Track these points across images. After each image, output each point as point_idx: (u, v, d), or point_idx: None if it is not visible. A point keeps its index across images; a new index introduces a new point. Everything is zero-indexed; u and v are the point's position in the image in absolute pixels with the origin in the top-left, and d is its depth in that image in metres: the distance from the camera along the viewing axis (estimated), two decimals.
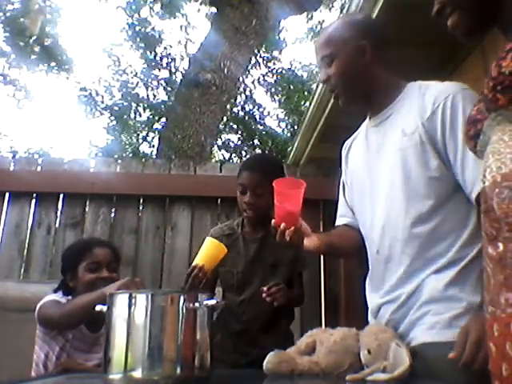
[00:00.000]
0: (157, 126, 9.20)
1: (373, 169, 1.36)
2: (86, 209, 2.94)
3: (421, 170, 1.21)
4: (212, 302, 1.02)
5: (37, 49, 9.28)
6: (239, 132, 9.43)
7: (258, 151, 9.27)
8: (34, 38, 9.01)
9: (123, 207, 2.95)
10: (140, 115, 9.37)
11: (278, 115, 9.77)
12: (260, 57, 9.17)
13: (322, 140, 2.89)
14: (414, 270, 1.21)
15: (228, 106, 6.76)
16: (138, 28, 9.30)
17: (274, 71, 9.52)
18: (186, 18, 9.49)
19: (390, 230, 1.26)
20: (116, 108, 9.27)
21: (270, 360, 1.11)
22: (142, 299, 0.99)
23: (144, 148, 9.67)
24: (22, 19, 8.83)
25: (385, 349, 1.06)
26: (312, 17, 9.94)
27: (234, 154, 9.49)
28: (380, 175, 1.32)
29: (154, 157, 6.09)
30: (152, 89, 9.23)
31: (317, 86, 2.64)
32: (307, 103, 5.43)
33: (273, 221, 1.34)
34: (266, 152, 8.98)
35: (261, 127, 9.40)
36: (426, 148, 1.21)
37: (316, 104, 2.63)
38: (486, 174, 0.75)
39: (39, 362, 1.70)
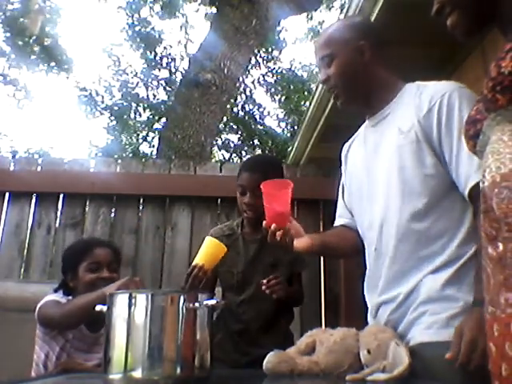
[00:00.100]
0: (157, 125, 9.20)
1: (371, 168, 1.36)
2: (86, 209, 2.94)
3: (416, 167, 1.22)
4: (212, 301, 1.02)
5: (37, 49, 9.29)
6: (239, 132, 9.43)
7: (258, 151, 9.27)
8: (33, 38, 9.01)
9: (123, 207, 2.95)
10: (140, 115, 9.38)
11: (277, 115, 9.78)
12: (260, 57, 9.17)
13: (322, 140, 2.89)
14: (409, 268, 1.21)
15: (228, 106, 6.76)
16: (137, 28, 9.30)
17: (274, 71, 9.52)
18: (186, 19, 9.50)
19: (387, 227, 1.27)
20: (116, 108, 9.27)
21: (269, 360, 1.11)
22: (141, 299, 0.99)
23: (144, 148, 9.69)
24: (21, 19, 8.84)
25: (384, 349, 1.06)
26: (312, 17, 9.94)
27: (234, 154, 9.49)
28: (377, 174, 1.33)
29: (154, 157, 6.10)
30: (152, 89, 9.24)
31: (317, 86, 2.64)
32: (307, 103, 5.44)
33: (264, 222, 1.35)
34: (266, 152, 8.99)
35: (261, 127, 9.39)
36: (422, 145, 1.22)
37: (316, 104, 2.63)
38: (485, 174, 0.75)
39: (39, 361, 1.70)
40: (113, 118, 9.33)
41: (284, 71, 9.55)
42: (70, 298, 1.77)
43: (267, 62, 9.43)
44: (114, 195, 2.97)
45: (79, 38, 22.71)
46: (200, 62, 5.06)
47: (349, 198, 1.50)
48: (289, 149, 3.74)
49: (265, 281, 1.76)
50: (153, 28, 9.35)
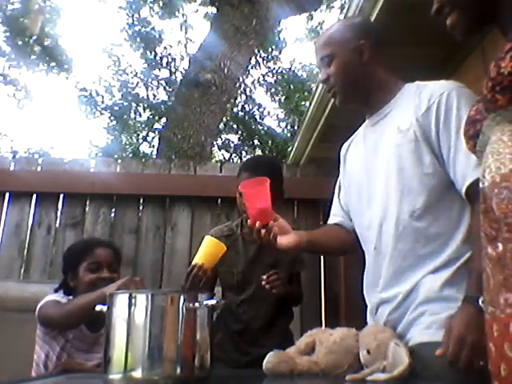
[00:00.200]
0: (157, 125, 9.19)
1: (370, 168, 1.36)
2: (86, 209, 2.94)
3: (415, 166, 1.22)
4: (212, 301, 1.02)
5: (37, 49, 9.28)
6: (239, 132, 9.42)
7: (258, 151, 9.27)
8: (34, 37, 9.01)
9: (123, 207, 2.95)
10: (140, 115, 9.37)
11: (277, 115, 9.77)
12: (260, 57, 9.16)
13: (322, 140, 2.89)
14: (408, 267, 1.21)
15: (228, 106, 6.76)
16: (137, 28, 9.30)
17: (274, 71, 9.51)
18: (186, 19, 9.50)
19: (386, 226, 1.27)
20: (116, 108, 9.26)
21: (269, 360, 1.11)
22: (142, 299, 0.99)
23: (144, 148, 9.68)
24: (22, 19, 8.84)
25: (384, 349, 1.06)
26: (312, 17, 9.94)
27: (234, 154, 9.48)
28: (376, 173, 1.33)
29: (154, 157, 6.09)
30: (152, 89, 9.23)
31: (317, 86, 2.64)
32: (307, 103, 5.43)
33: (248, 221, 1.37)
34: (266, 152, 8.98)
35: (261, 127, 9.39)
36: (421, 144, 1.22)
37: (316, 104, 2.63)
38: (485, 174, 0.75)
39: (39, 361, 1.70)
40: (113, 118, 9.32)
41: (284, 71, 9.54)
42: (71, 297, 1.77)
43: (267, 62, 9.42)
44: (114, 195, 2.97)
45: (79, 38, 22.73)
46: (200, 61, 5.06)
47: (347, 198, 1.50)
48: (289, 149, 3.74)
49: (265, 276, 1.77)
50: (153, 28, 9.34)
